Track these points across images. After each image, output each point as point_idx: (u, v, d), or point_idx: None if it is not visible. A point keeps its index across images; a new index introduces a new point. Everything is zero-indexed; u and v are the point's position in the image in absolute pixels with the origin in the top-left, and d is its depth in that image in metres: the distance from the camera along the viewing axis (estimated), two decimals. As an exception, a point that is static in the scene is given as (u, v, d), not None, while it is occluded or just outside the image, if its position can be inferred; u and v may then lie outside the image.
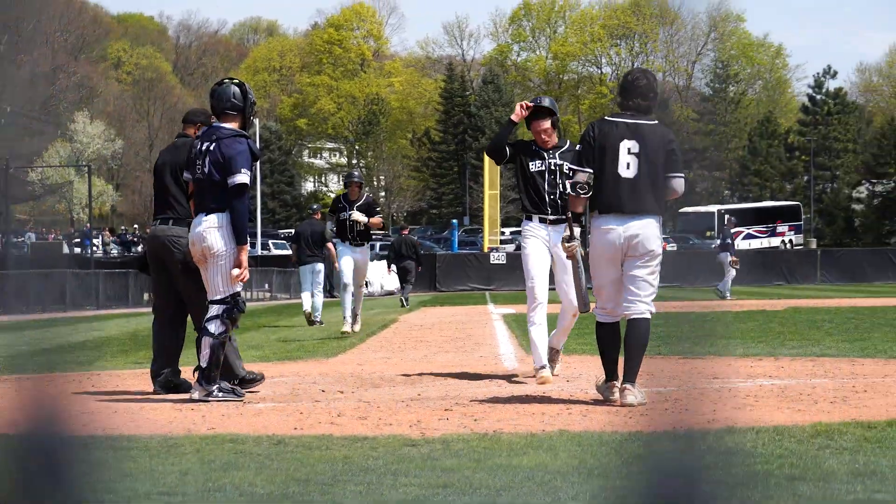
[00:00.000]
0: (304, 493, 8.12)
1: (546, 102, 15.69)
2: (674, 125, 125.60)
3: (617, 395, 12.91)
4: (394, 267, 49.42)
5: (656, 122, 13.24)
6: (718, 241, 49.04)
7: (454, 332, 27.50)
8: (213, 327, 13.87)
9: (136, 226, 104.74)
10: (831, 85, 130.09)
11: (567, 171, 14.05)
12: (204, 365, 13.83)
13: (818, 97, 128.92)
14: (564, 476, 8.50)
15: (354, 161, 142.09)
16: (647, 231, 12.99)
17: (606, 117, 13.30)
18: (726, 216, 49.83)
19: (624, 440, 10.07)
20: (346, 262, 25.74)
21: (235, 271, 13.93)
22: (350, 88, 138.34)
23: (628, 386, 12.79)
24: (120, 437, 10.89)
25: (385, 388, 14.93)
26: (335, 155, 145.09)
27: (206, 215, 14.04)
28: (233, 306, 13.98)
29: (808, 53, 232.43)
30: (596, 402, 13.12)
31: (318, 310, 31.46)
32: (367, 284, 24.98)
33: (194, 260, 14.34)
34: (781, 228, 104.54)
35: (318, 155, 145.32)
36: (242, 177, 13.95)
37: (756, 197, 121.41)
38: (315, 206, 37.13)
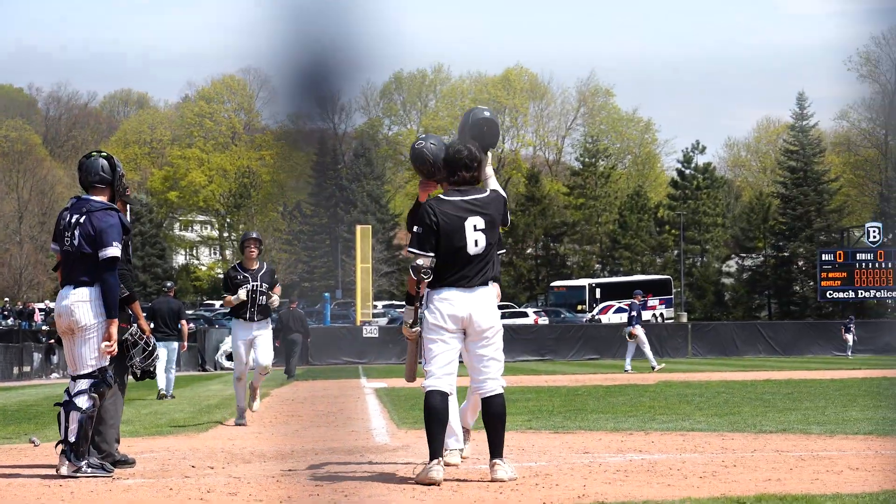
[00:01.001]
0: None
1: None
2: (545, 199, 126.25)
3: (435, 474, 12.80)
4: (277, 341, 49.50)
5: (488, 191, 13.29)
6: (629, 315, 49.63)
7: (326, 407, 27.45)
8: (82, 402, 13.76)
9: (6, 299, 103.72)
10: (700, 160, 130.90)
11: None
12: (72, 440, 13.71)
13: (687, 171, 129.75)
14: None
15: (226, 234, 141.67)
16: (486, 306, 13.02)
17: (442, 196, 13.20)
18: (635, 291, 50.30)
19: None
20: (244, 346, 22.39)
21: (104, 345, 13.85)
22: (221, 161, 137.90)
23: (497, 461, 12.80)
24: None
25: (256, 463, 14.88)
26: (206, 228, 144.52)
27: (74, 288, 13.93)
28: (101, 380, 13.89)
29: (677, 128, 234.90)
30: (466, 479, 13.11)
31: (170, 386, 31.89)
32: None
33: (59, 332, 14.26)
34: (652, 302, 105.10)
35: (190, 228, 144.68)
36: (114, 250, 13.89)
37: (627, 271, 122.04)
38: (169, 284, 36.91)
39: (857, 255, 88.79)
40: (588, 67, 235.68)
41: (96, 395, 13.87)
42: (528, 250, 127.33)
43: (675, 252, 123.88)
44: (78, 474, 13.64)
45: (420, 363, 13.65)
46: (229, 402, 27.79)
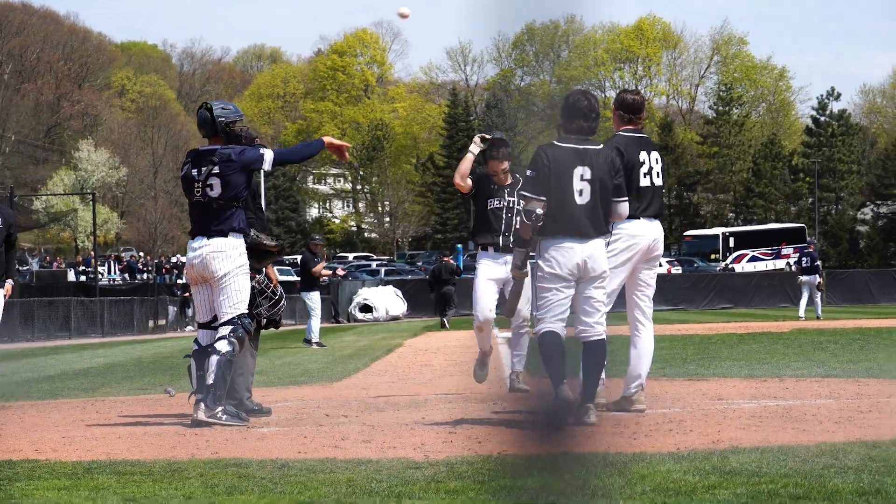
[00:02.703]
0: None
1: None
2: (678, 148, 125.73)
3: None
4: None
5: (601, 145, 13.28)
6: (805, 264, 49.96)
7: (459, 356, 27.44)
8: (222, 346, 13.83)
9: (141, 253, 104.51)
10: (835, 107, 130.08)
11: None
12: (210, 381, 13.78)
13: (822, 119, 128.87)
14: (568, 497, 8.48)
15: (359, 187, 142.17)
16: (599, 253, 13.03)
17: (556, 142, 13.23)
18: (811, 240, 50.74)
19: (628, 461, 10.04)
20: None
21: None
22: (354, 114, 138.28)
23: (590, 406, 12.82)
24: (123, 462, 10.86)
25: (389, 411, 14.88)
26: (339, 181, 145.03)
27: (207, 238, 13.99)
28: (240, 326, 13.96)
29: (811, 76, 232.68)
30: (602, 423, 13.06)
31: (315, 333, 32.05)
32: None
33: (190, 281, 14.35)
34: (786, 251, 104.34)
35: (323, 181, 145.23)
36: (267, 153, 14.11)
37: (761, 219, 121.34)
38: (317, 238, 37.04)
39: None
40: (721, 16, 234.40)
41: (236, 341, 13.94)
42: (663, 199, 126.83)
43: (810, 200, 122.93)
44: (213, 420, 13.70)
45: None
46: (363, 353, 27.90)
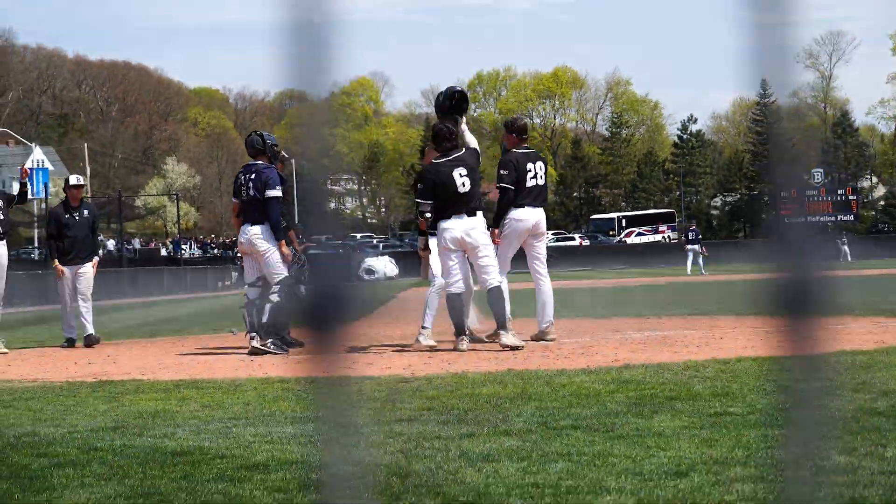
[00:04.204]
0: (328, 415, 8.07)
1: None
2: (585, 157, 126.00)
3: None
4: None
5: (463, 149, 13.65)
6: (692, 237, 51.37)
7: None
8: (275, 297, 13.94)
9: (212, 235, 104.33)
10: (693, 128, 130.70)
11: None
12: (265, 320, 13.86)
13: (685, 136, 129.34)
14: (511, 400, 8.51)
15: (363, 187, 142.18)
16: (478, 227, 13.36)
17: (435, 161, 13.49)
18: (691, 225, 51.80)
19: (553, 375, 10.06)
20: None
21: (284, 254, 14.10)
22: (358, 137, 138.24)
23: (502, 332, 13.16)
24: (201, 380, 10.87)
25: (386, 342, 14.91)
26: (349, 183, 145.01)
27: (251, 225, 14.13)
28: (286, 283, 14.10)
29: (676, 106, 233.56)
30: (532, 350, 13.10)
31: None
32: None
33: (241, 253, 14.51)
34: (662, 228, 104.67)
35: (338, 183, 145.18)
36: (275, 192, 14.13)
37: (643, 206, 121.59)
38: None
39: (806, 191, 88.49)
40: (613, 65, 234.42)
41: (284, 293, 14.02)
42: (574, 193, 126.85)
43: (678, 193, 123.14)
44: (265, 349, 13.73)
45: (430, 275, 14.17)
46: (368, 302, 27.82)
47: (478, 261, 13.31)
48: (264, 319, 13.93)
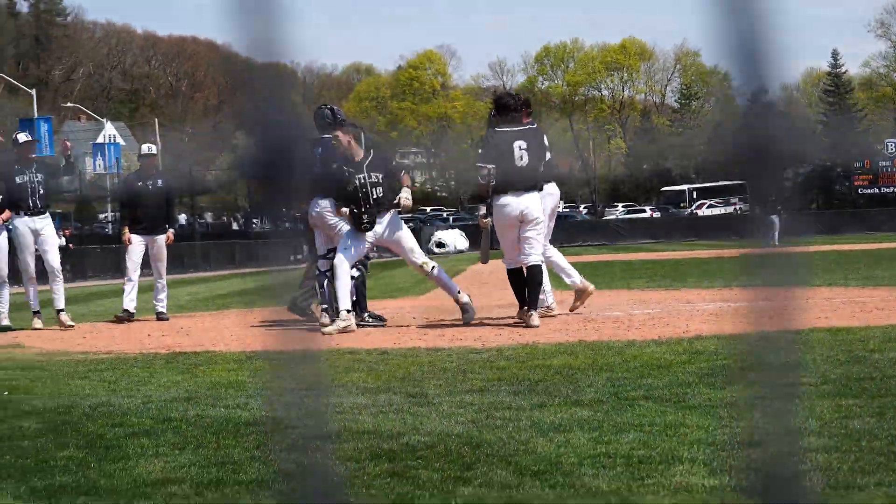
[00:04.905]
0: (401, 387, 8.15)
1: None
2: (653, 130, 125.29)
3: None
4: None
5: (527, 126, 13.30)
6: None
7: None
8: (355, 272, 13.97)
9: (284, 209, 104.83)
10: (764, 99, 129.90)
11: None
12: (354, 298, 13.93)
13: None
14: (582, 371, 8.51)
15: (431, 160, 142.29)
16: (535, 203, 12.96)
17: (497, 128, 13.11)
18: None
19: (623, 346, 10.05)
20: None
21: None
22: (426, 110, 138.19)
23: (532, 311, 12.79)
24: (272, 352, 10.94)
25: (457, 314, 14.91)
26: (417, 156, 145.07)
27: (321, 199, 14.08)
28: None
29: (746, 77, 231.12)
30: (603, 321, 13.06)
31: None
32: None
33: (313, 226, 14.42)
34: (733, 200, 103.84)
35: (406, 156, 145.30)
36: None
37: (714, 178, 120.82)
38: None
39: (880, 161, 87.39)
40: (682, 36, 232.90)
41: (363, 267, 14.07)
42: (644, 165, 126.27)
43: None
44: (362, 323, 13.77)
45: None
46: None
47: (525, 233, 13.03)
48: (353, 296, 13.96)
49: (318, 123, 14.54)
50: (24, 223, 15.74)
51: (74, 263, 42.81)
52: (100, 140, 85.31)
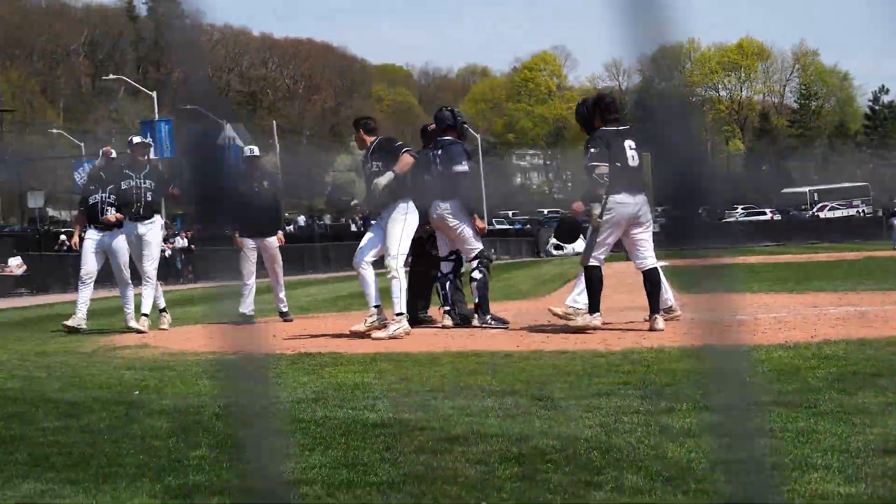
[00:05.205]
0: (525, 389, 8.14)
1: None
2: (772, 130, 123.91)
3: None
4: None
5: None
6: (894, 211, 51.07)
7: (628, 278, 27.21)
8: (476, 274, 13.97)
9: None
10: (885, 98, 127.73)
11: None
12: (476, 301, 13.94)
13: (877, 108, 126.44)
14: (706, 375, 8.43)
15: (548, 162, 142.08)
16: (646, 206, 12.76)
17: (605, 129, 12.83)
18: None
19: (750, 351, 9.93)
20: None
21: (478, 227, 14.09)
22: (542, 111, 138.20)
23: (656, 316, 12.62)
24: (396, 353, 11.00)
25: (579, 318, 14.85)
26: (534, 158, 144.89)
27: (441, 201, 14.08)
28: (484, 257, 14.09)
29: (866, 77, 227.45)
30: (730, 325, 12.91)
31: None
32: None
33: (435, 229, 14.41)
34: (856, 202, 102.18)
35: (523, 158, 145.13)
36: (463, 167, 14.07)
37: (835, 180, 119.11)
38: None
39: None
40: (799, 36, 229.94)
41: (485, 269, 14.06)
42: (763, 167, 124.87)
43: (871, 165, 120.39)
44: (485, 325, 13.79)
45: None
46: (558, 277, 27.75)
47: (638, 236, 12.91)
48: (476, 298, 14.00)
49: (437, 125, 14.57)
50: (128, 228, 15.90)
51: (197, 265, 43.37)
52: (219, 142, 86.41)
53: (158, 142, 60.87)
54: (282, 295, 17.11)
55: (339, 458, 5.94)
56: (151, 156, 17.00)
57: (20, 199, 72.19)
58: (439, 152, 14.23)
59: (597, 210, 12.50)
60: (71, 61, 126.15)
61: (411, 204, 13.54)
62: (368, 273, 13.56)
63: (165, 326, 16.00)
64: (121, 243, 16.23)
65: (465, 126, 14.78)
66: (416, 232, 13.84)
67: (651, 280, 12.71)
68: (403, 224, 13.50)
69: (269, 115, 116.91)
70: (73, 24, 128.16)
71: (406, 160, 13.29)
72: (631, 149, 12.69)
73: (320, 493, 5.25)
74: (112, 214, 16.31)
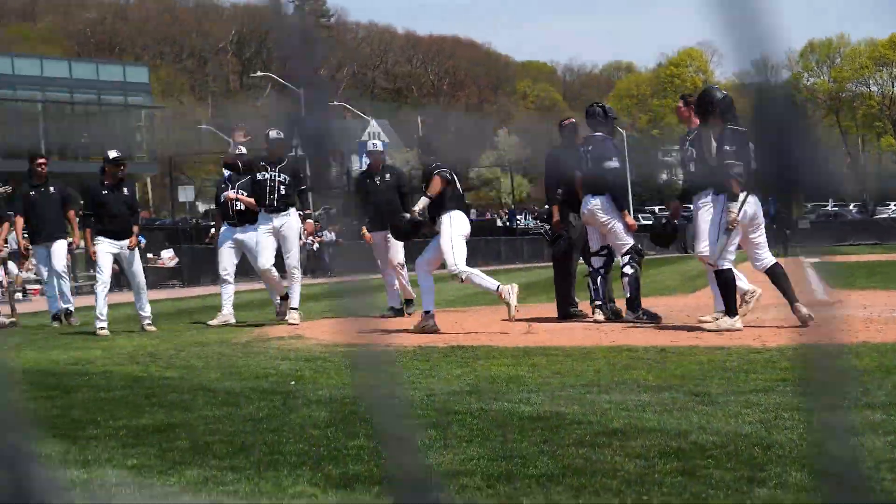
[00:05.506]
0: (681, 385, 8.08)
1: None
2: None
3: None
4: None
5: None
6: None
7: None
8: (627, 269, 13.91)
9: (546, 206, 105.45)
10: None
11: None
12: (627, 296, 13.88)
13: None
14: (870, 374, 8.30)
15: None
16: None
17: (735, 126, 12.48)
18: None
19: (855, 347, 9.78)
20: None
21: (628, 222, 14.02)
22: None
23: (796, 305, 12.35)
24: (549, 347, 11.00)
25: (722, 323, 14.67)
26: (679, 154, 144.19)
27: (592, 197, 14.04)
28: (636, 252, 14.02)
29: None
30: (885, 322, 12.67)
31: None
32: None
33: (586, 224, 14.36)
34: None
35: (669, 154, 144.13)
36: (613, 164, 14.01)
37: None
38: None
39: None
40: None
41: (636, 264, 14.00)
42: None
43: None
44: (636, 321, 13.71)
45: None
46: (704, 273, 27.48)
47: (756, 238, 12.65)
48: (627, 293, 13.94)
49: (588, 121, 14.53)
50: (263, 220, 15.94)
51: (342, 259, 43.71)
52: (364, 138, 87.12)
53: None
54: (396, 287, 17.05)
55: (496, 450, 5.96)
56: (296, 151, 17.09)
57: (171, 193, 73.53)
58: (589, 148, 14.19)
59: (734, 208, 12.29)
60: (219, 59, 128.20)
61: (452, 213, 13.80)
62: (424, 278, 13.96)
63: (296, 321, 15.86)
64: (251, 239, 16.38)
65: (616, 122, 14.74)
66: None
67: (776, 275, 12.52)
68: (450, 236, 13.78)
69: (414, 110, 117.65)
70: (221, 22, 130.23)
71: (436, 183, 13.75)
72: (752, 150, 12.57)
73: (480, 484, 5.26)
74: (234, 193, 16.42)
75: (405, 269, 16.98)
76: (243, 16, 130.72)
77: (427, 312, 13.60)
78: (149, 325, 15.91)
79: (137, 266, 16.16)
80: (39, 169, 18.27)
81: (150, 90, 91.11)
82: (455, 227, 13.83)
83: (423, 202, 13.64)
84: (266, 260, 15.84)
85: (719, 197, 12.39)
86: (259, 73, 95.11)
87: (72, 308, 18.20)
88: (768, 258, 12.57)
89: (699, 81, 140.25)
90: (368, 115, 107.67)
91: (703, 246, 12.76)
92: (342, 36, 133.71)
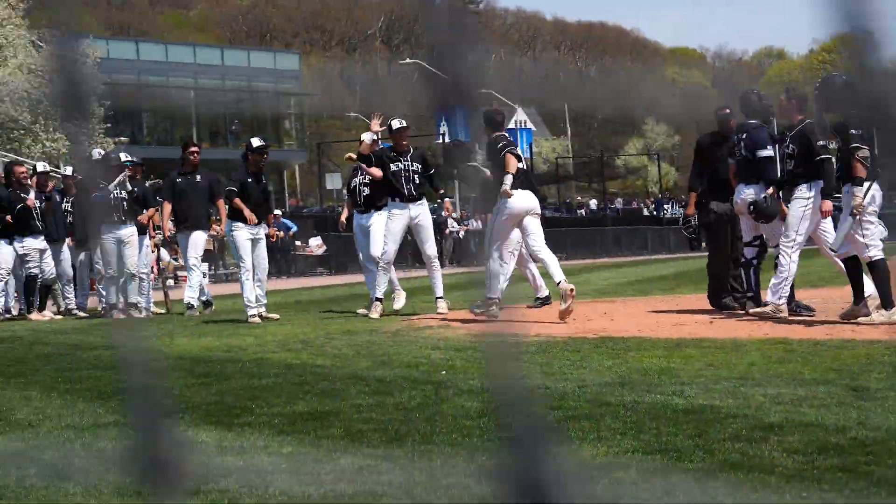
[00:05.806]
0: (838, 378, 7.92)
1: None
2: None
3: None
4: None
5: None
6: None
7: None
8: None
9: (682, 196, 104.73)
10: None
11: None
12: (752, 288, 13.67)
13: None
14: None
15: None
16: None
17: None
18: None
19: None
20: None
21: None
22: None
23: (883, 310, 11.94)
24: (702, 339, 10.87)
25: (876, 315, 14.37)
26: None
27: (746, 186, 13.78)
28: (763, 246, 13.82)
29: None
30: None
31: None
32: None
33: (738, 213, 14.08)
34: None
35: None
36: (767, 152, 13.74)
37: None
38: None
39: None
40: None
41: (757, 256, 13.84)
42: None
43: None
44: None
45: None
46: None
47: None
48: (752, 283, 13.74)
49: (743, 109, 14.32)
50: (398, 208, 15.92)
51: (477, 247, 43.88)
52: (511, 126, 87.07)
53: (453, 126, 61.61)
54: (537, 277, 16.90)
55: (651, 443, 5.92)
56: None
57: (319, 181, 74.18)
58: (743, 136, 13.95)
59: (860, 193, 11.90)
60: (368, 46, 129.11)
61: (502, 202, 13.76)
62: (496, 266, 13.94)
63: (444, 309, 15.82)
64: (375, 225, 16.50)
65: (771, 109, 14.50)
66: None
67: (875, 269, 12.08)
68: (494, 222, 14.00)
69: (561, 98, 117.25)
70: (370, 8, 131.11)
71: (511, 161, 13.82)
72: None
73: (636, 478, 5.23)
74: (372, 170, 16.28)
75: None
76: (392, 2, 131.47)
77: (490, 299, 13.56)
78: (263, 313, 16.04)
79: (263, 251, 16.29)
80: (192, 157, 18.51)
81: (300, 77, 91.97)
82: (500, 218, 13.98)
83: (508, 180, 13.61)
84: (377, 248, 16.03)
85: (815, 184, 12.29)
86: (408, 60, 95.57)
87: (194, 301, 18.24)
88: (874, 249, 12.12)
89: (851, 68, 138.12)
90: (516, 103, 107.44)
91: (837, 240, 12.38)
92: (490, 22, 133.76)
